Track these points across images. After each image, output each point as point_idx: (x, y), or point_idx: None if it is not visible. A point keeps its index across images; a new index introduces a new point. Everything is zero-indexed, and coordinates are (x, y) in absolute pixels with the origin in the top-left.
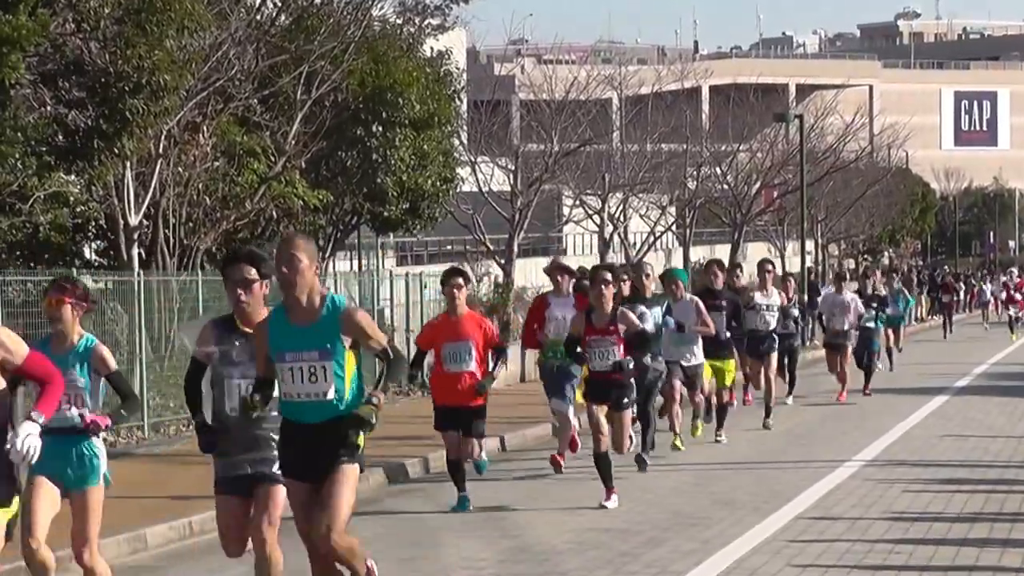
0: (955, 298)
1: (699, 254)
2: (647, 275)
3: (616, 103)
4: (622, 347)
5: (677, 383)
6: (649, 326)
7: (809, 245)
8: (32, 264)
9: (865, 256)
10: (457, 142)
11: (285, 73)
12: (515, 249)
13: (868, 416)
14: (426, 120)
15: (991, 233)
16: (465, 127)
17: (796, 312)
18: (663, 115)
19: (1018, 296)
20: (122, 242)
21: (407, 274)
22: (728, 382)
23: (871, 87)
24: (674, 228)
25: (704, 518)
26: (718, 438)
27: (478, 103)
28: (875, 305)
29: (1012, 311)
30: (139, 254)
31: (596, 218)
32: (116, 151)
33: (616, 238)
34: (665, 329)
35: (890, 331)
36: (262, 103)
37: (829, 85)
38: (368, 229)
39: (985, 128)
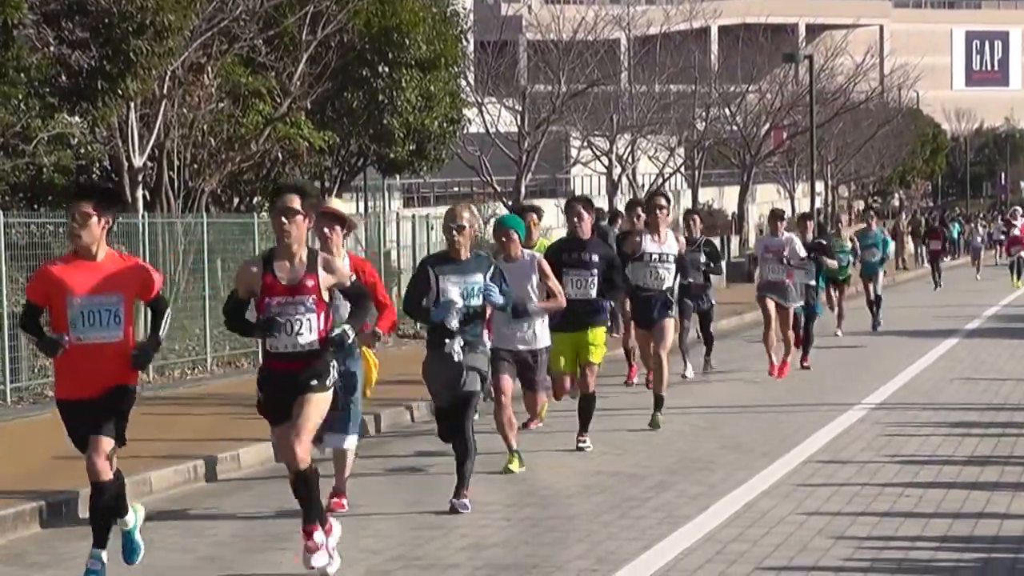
0: (944, 245)
1: (708, 195)
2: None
3: (624, 43)
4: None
5: (505, 379)
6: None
7: (819, 186)
8: (35, 206)
9: (875, 197)
10: (464, 83)
11: (290, 13)
12: (522, 191)
13: (878, 359)
14: (432, 61)
15: (1002, 174)
16: (472, 68)
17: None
18: (671, 56)
19: (1014, 232)
20: (126, 184)
21: (414, 216)
22: (595, 359)
23: (881, 27)
24: (683, 170)
25: (712, 462)
26: (581, 445)
27: (485, 43)
28: (812, 255)
29: (1014, 253)
30: (144, 196)
31: (604, 160)
32: (120, 92)
33: (624, 180)
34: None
35: (868, 284)
36: (267, 44)
37: (839, 25)
38: (374, 171)
39: (996, 68)
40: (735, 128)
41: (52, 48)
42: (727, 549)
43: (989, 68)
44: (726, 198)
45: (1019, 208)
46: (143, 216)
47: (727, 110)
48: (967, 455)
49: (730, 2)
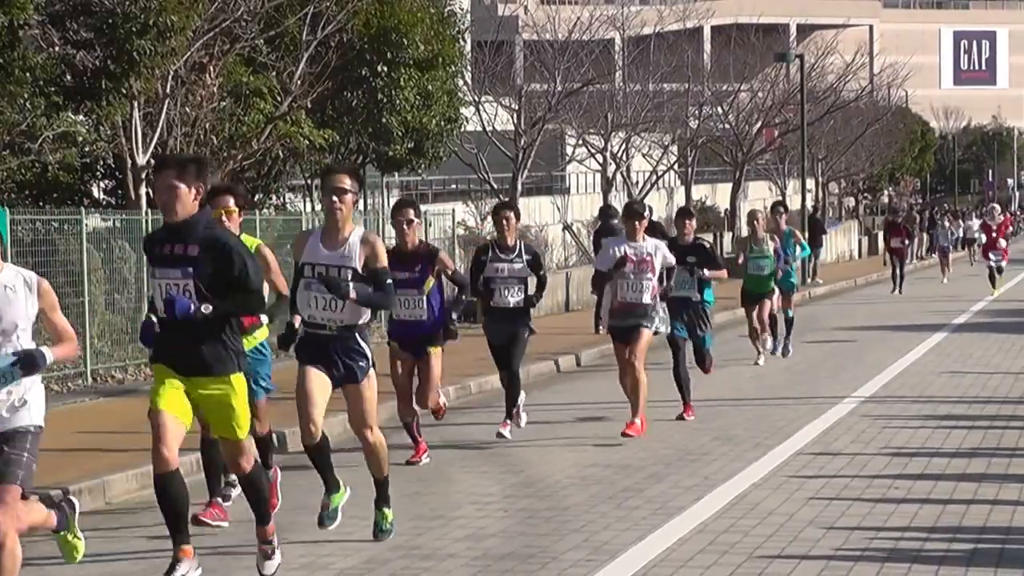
0: (905, 242)
1: (701, 192)
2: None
3: (619, 43)
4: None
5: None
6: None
7: (809, 184)
8: (41, 203)
9: (864, 194)
10: (461, 82)
11: (291, 13)
12: (519, 188)
13: (867, 352)
14: (430, 60)
15: (990, 171)
16: (469, 67)
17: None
18: (665, 55)
19: (1001, 242)
20: (130, 181)
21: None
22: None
23: (871, 27)
24: (676, 167)
25: (705, 454)
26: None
27: (482, 43)
28: (690, 260)
29: (992, 259)
30: (147, 193)
31: (599, 157)
32: (124, 91)
33: (619, 177)
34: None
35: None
36: (268, 43)
37: (830, 25)
38: (373, 168)
39: (984, 67)
40: (727, 126)
41: (57, 48)
42: (720, 539)
43: (977, 67)
44: (719, 195)
45: (996, 206)
46: (146, 213)
47: (720, 108)
48: (955, 447)
49: (722, 2)
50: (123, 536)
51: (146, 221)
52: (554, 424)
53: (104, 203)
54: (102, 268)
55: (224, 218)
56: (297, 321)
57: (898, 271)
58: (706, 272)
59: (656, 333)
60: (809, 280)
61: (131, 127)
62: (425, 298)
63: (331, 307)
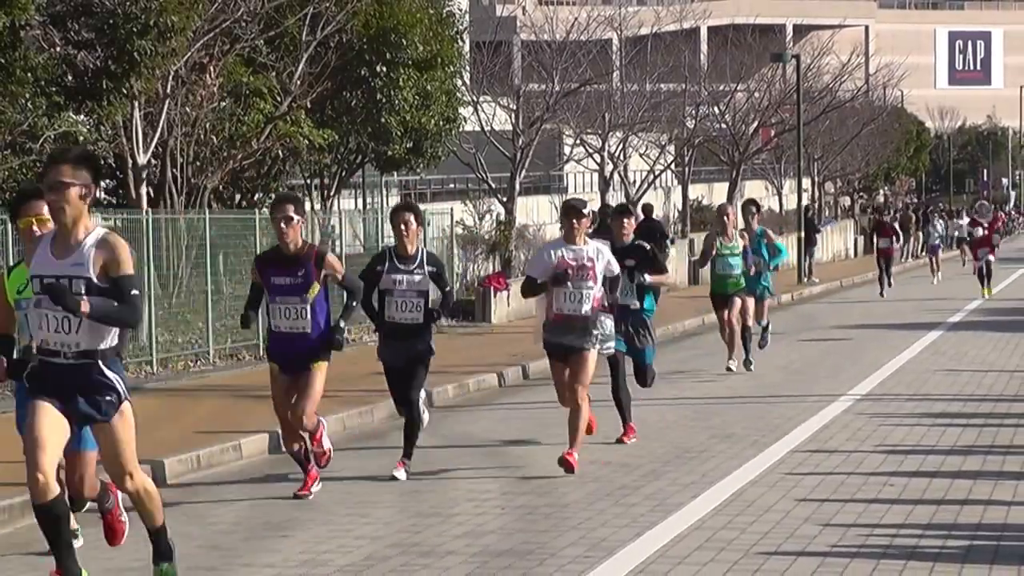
0: (894, 243)
1: (698, 192)
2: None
3: (616, 44)
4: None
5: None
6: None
7: (805, 183)
8: None
9: (860, 193)
10: (460, 82)
11: (291, 14)
12: (517, 187)
13: (863, 351)
14: (429, 61)
15: (984, 171)
16: (467, 67)
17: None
18: (662, 55)
19: (979, 231)
20: (131, 181)
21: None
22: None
23: (867, 27)
24: (673, 167)
25: (703, 451)
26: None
27: (480, 44)
28: (629, 263)
29: (980, 256)
30: (147, 192)
31: (596, 157)
32: (124, 91)
33: (616, 177)
34: None
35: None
36: (268, 44)
37: (825, 25)
38: (372, 168)
39: (979, 67)
40: (724, 126)
41: (58, 48)
42: (717, 536)
43: (972, 67)
44: (715, 194)
45: (985, 203)
46: (147, 212)
47: (716, 108)
48: (950, 445)
49: (719, 3)
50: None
51: (147, 220)
52: (552, 423)
53: (105, 202)
54: None
55: (35, 227)
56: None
57: (885, 273)
58: (647, 277)
59: (602, 352)
60: (805, 279)
61: (132, 127)
62: (309, 307)
63: (64, 328)
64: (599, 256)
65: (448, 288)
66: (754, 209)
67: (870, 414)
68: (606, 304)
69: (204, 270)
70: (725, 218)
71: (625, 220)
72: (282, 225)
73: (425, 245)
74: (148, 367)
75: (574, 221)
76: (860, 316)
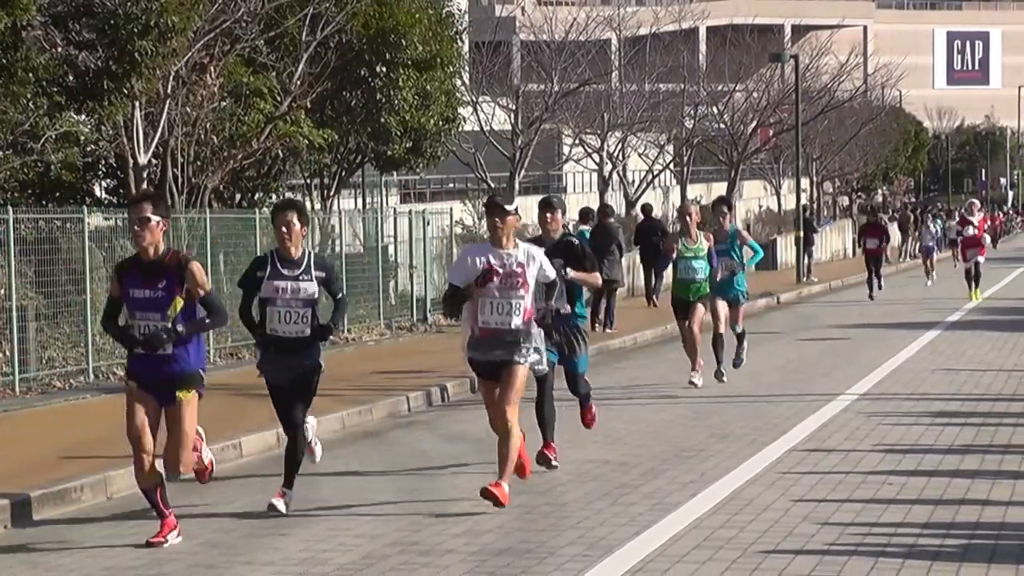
0: (883, 243)
1: (696, 191)
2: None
3: (615, 44)
4: None
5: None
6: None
7: (804, 183)
8: (43, 202)
9: (859, 193)
10: (459, 82)
11: (291, 15)
12: (516, 187)
13: (861, 350)
14: (429, 61)
15: (983, 170)
16: (467, 68)
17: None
18: (661, 56)
19: (972, 230)
20: (131, 180)
21: (410, 211)
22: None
23: (865, 27)
24: (672, 167)
25: (701, 451)
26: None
27: (479, 44)
28: (557, 262)
29: (970, 257)
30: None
31: (595, 157)
32: (125, 91)
33: (615, 176)
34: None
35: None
36: (268, 44)
37: (824, 26)
38: (372, 168)
39: (977, 67)
40: (723, 126)
41: (59, 49)
42: (715, 535)
43: (970, 67)
44: (714, 194)
45: (976, 202)
46: None
47: (715, 108)
48: (948, 444)
49: (718, 3)
50: (125, 531)
51: None
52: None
53: (106, 202)
54: (104, 266)
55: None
56: None
57: (873, 275)
58: (570, 272)
59: (534, 370)
60: (804, 279)
61: (133, 127)
62: (171, 325)
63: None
64: (530, 261)
65: (340, 296)
66: (725, 208)
67: (868, 413)
68: (537, 317)
69: (204, 269)
70: (687, 218)
71: (549, 214)
72: (136, 227)
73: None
74: None
75: (497, 220)
76: (858, 316)
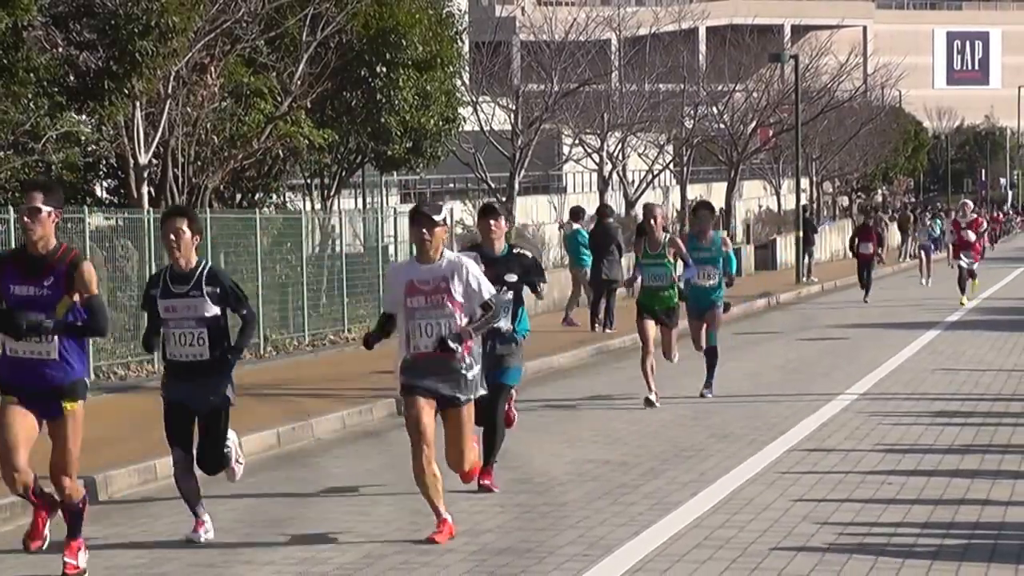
0: (876, 247)
1: (696, 191)
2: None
3: (615, 44)
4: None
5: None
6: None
7: (804, 183)
8: None
9: (858, 193)
10: (459, 82)
11: (291, 15)
12: (516, 187)
13: (861, 350)
14: (429, 61)
15: (982, 171)
16: (467, 68)
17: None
18: (661, 56)
19: (971, 236)
20: (132, 180)
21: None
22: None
23: (865, 27)
24: (671, 167)
25: (701, 450)
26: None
27: (479, 44)
28: (513, 279)
29: (963, 261)
30: (149, 192)
31: (595, 157)
32: (126, 92)
33: (615, 176)
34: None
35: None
36: (268, 44)
37: (824, 26)
38: (372, 168)
39: (977, 68)
40: (722, 126)
41: (60, 49)
42: (715, 535)
43: (970, 67)
44: (714, 194)
45: (968, 203)
46: (148, 212)
47: (715, 108)
48: (948, 443)
49: (718, 4)
50: (125, 530)
51: (148, 220)
52: (552, 422)
53: (107, 202)
54: (105, 266)
55: None
56: None
57: (865, 278)
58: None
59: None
60: (803, 279)
61: (133, 127)
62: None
63: None
64: (456, 275)
65: (245, 312)
66: (709, 214)
67: (868, 413)
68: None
69: None
70: (652, 220)
71: (492, 222)
72: (25, 218)
73: (208, 260)
74: (149, 365)
75: (424, 232)
76: (857, 316)
